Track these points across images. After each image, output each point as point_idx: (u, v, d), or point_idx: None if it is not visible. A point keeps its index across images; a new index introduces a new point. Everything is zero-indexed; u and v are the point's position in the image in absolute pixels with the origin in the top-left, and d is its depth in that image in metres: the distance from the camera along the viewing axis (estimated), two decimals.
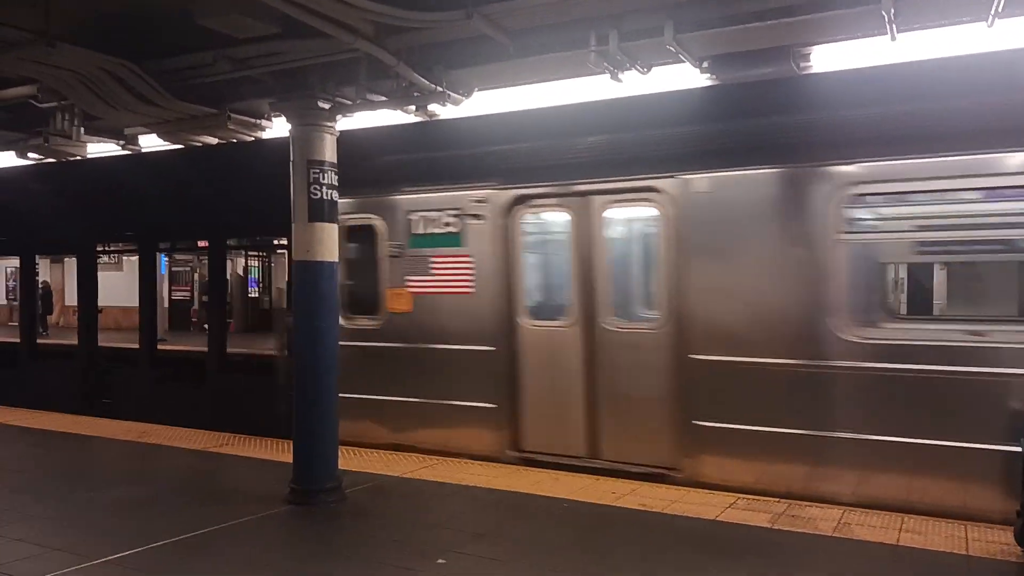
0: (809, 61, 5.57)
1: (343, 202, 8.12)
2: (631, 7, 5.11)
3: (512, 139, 7.73)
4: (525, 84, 6.09)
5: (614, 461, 6.91)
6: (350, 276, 8.32)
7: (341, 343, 8.03)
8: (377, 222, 8.19)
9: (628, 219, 7.47)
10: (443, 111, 6.44)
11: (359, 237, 8.32)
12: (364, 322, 8.25)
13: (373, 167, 8.44)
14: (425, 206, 7.88)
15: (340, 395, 7.79)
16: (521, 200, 7.43)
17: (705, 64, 5.56)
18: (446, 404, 7.71)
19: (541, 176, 7.35)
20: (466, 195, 7.65)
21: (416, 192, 7.98)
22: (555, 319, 7.39)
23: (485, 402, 7.52)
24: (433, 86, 5.81)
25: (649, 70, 5.56)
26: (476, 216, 7.58)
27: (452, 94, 5.92)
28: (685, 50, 5.23)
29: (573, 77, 5.86)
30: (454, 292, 7.70)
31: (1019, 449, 4.78)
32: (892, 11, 4.54)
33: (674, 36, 5.06)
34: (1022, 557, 4.64)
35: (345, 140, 6.38)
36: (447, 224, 7.74)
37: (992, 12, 4.54)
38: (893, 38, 4.88)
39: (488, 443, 7.47)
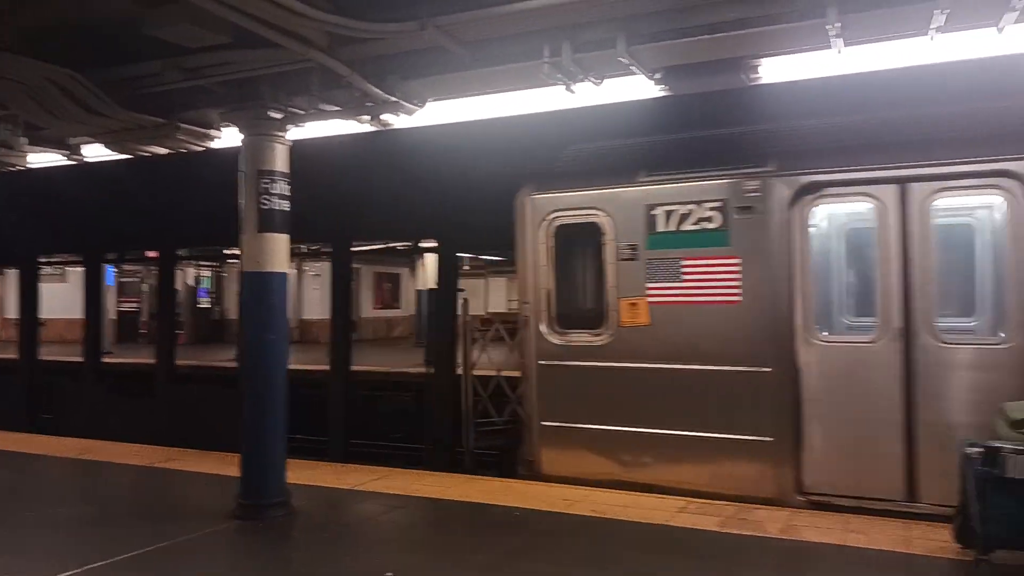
0: (758, 73, 5.71)
1: (548, 197, 7.17)
2: (584, 20, 5.19)
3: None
4: (479, 95, 6.13)
5: (942, 505, 5.54)
6: (560, 284, 7.21)
7: (548, 362, 7.10)
8: (603, 219, 6.90)
9: (957, 210, 6.47)
10: (402, 120, 6.34)
11: (573, 237, 7.11)
12: (582, 338, 6.99)
13: (597, 152, 7.40)
14: (674, 198, 6.59)
15: (546, 423, 7.07)
16: (809, 189, 6.22)
17: (658, 75, 5.66)
18: (699, 437, 6.43)
19: (838, 159, 6.19)
20: (734, 183, 6.39)
21: (660, 181, 6.68)
22: (855, 333, 6.39)
23: (755, 434, 6.25)
24: (386, 96, 5.82)
25: (602, 81, 5.64)
26: (746, 209, 6.34)
27: (406, 104, 5.94)
28: (638, 62, 5.32)
29: (528, 88, 5.92)
30: (714, 302, 6.45)
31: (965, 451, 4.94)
32: (839, 25, 4.69)
33: (627, 48, 5.15)
34: (959, 553, 4.81)
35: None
36: (705, 219, 6.47)
37: (932, 28, 4.73)
38: (839, 51, 5.04)
39: (762, 483, 6.21)
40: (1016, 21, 4.64)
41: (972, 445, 4.71)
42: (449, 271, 11.50)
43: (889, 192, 6.02)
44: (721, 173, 6.47)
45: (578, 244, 7.10)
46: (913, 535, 5.28)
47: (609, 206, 6.88)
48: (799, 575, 4.87)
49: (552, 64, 5.36)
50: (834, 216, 6.88)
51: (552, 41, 5.32)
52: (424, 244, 14.49)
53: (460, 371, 7.87)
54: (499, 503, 6.25)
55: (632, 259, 6.76)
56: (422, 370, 12.18)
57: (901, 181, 5.98)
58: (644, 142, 7.23)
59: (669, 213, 6.61)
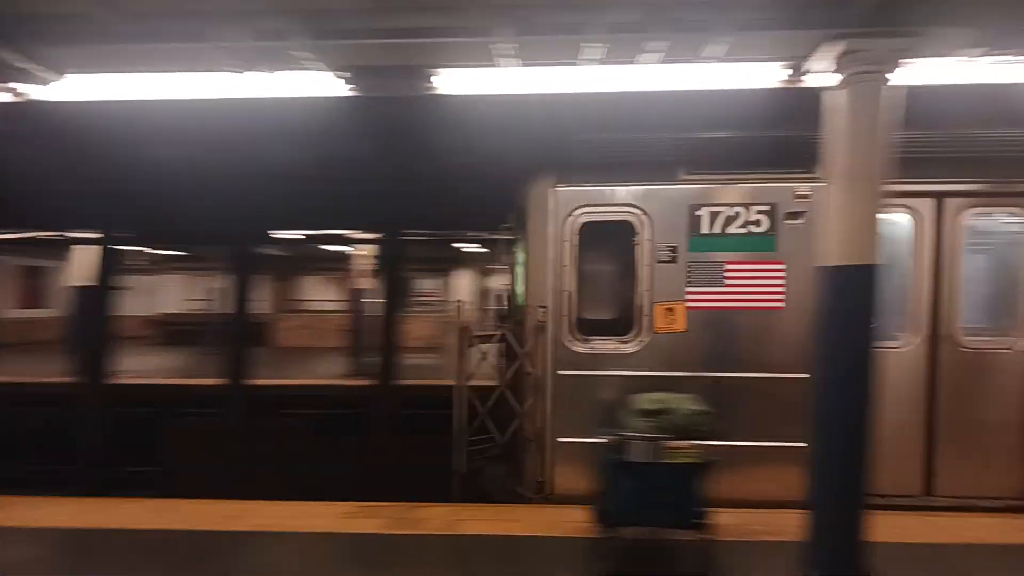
0: (432, 83, 5.87)
1: (576, 190, 6.61)
2: (263, 7, 4.92)
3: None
4: (138, 72, 5.51)
5: (953, 496, 6.42)
6: (583, 288, 6.65)
7: (567, 372, 6.55)
8: (638, 218, 6.55)
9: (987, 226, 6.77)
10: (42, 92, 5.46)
11: (601, 236, 6.62)
12: (608, 345, 6.55)
13: (640, 145, 6.79)
14: (720, 199, 6.45)
15: (563, 439, 6.51)
16: None
17: (348, 75, 5.56)
18: (738, 446, 6.26)
19: None
20: (784, 187, 6.41)
21: (705, 181, 6.49)
22: (887, 339, 6.44)
23: (792, 441, 6.14)
24: (16, 62, 4.97)
25: (275, 72, 5.40)
26: (795, 215, 6.38)
27: (38, 73, 5.13)
28: (324, 58, 5.18)
29: (196, 71, 5.47)
30: (756, 307, 6.41)
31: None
32: (516, 46, 4.97)
33: (313, 43, 5.00)
34: (595, 532, 5.36)
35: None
36: (752, 223, 6.41)
37: (579, 57, 5.20)
38: (500, 69, 5.36)
39: (799, 490, 5.44)
40: (658, 61, 5.25)
41: (603, 433, 5.34)
42: (109, 266, 10.29)
43: (923, 205, 6.53)
44: (772, 175, 6.48)
45: (604, 243, 6.71)
46: (557, 520, 5.84)
47: (647, 204, 6.58)
48: (455, 567, 5.09)
49: (228, 49, 5.01)
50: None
51: (228, 24, 4.97)
52: (79, 235, 12.75)
53: (455, 382, 6.94)
54: (153, 527, 5.71)
55: (671, 261, 6.52)
56: (69, 379, 10.67)
57: (934, 196, 6.50)
58: (691, 138, 6.90)
59: (714, 215, 6.50)
